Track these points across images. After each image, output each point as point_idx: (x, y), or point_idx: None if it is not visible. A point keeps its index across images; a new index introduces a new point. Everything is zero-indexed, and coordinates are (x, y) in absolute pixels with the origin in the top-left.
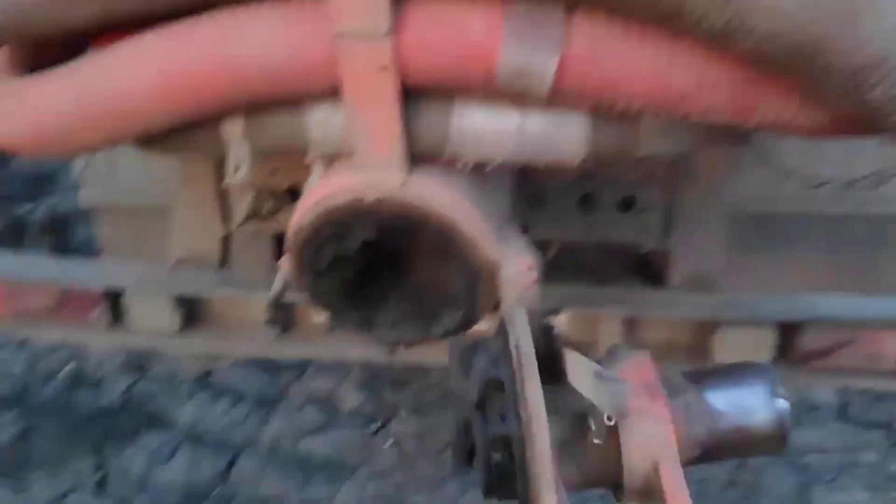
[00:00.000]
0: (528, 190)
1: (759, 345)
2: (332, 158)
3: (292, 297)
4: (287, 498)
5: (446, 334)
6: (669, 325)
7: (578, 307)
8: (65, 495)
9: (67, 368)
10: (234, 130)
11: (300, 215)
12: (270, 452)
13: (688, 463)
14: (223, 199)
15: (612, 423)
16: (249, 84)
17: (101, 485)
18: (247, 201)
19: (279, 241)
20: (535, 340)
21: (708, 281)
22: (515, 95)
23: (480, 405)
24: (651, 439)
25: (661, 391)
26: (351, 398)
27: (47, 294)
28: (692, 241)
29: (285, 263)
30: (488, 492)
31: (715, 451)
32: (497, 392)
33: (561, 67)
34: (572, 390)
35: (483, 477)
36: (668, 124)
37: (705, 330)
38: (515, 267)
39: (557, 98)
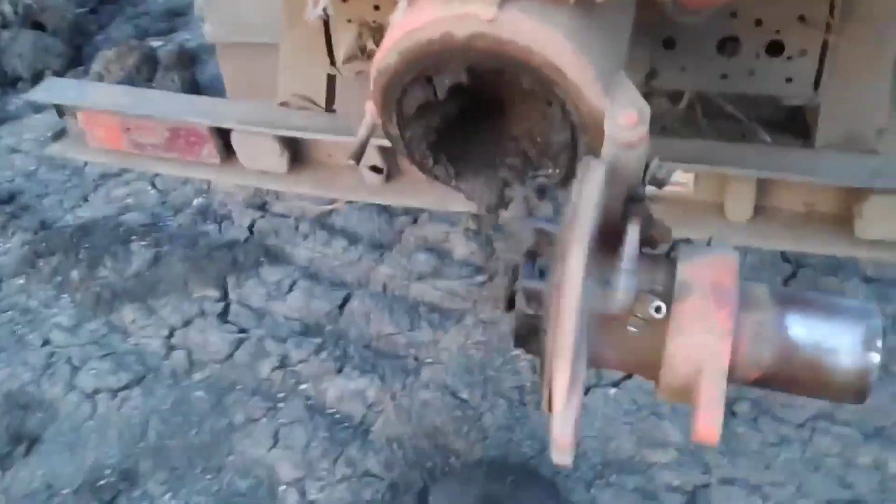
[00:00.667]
0: (657, 30)
1: None
2: None
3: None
4: (395, 338)
5: (543, 194)
6: (811, 191)
7: (706, 165)
8: (189, 321)
9: (196, 202)
10: None
11: (383, 53)
12: (381, 294)
13: (744, 383)
14: (328, 38)
15: (659, 314)
16: None
17: (223, 314)
18: (350, 39)
19: None
20: (614, 202)
21: (863, 141)
22: None
23: (531, 254)
24: (701, 348)
25: (733, 300)
26: (462, 247)
27: (158, 130)
28: (847, 95)
29: (370, 107)
30: (517, 342)
31: (779, 381)
32: (549, 246)
33: None
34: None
35: (514, 326)
36: None
37: (853, 198)
38: (621, 119)
39: None
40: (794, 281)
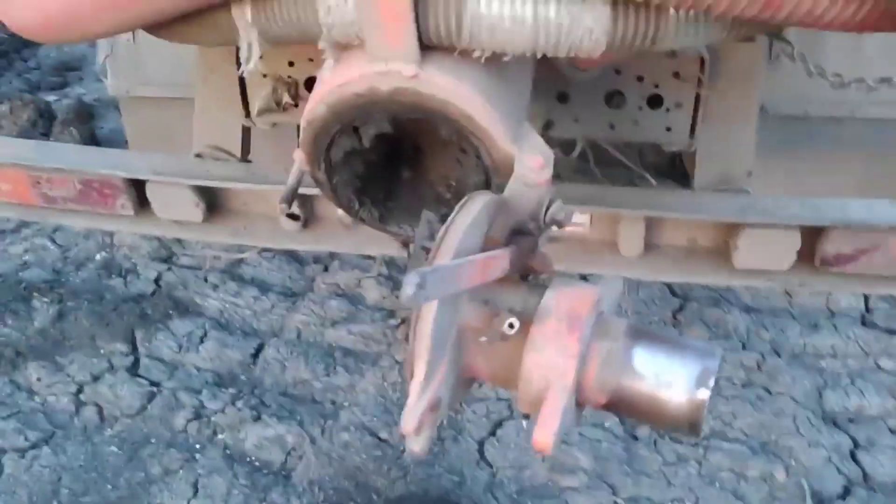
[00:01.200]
0: (552, 85)
1: (781, 248)
2: (343, 47)
3: (312, 190)
4: (312, 384)
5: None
6: (692, 227)
7: (600, 206)
8: (99, 377)
9: (98, 257)
10: (242, 15)
11: (313, 105)
12: (296, 341)
13: (595, 406)
14: (244, 91)
15: (512, 330)
16: None
17: (133, 368)
18: (265, 92)
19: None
20: (498, 232)
21: (734, 183)
22: None
23: (425, 250)
24: (551, 366)
25: (585, 327)
26: (374, 292)
27: (71, 183)
28: (719, 141)
29: (299, 155)
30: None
31: (624, 407)
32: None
33: None
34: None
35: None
36: (694, 16)
37: (728, 232)
38: (529, 163)
39: None
40: (682, 314)
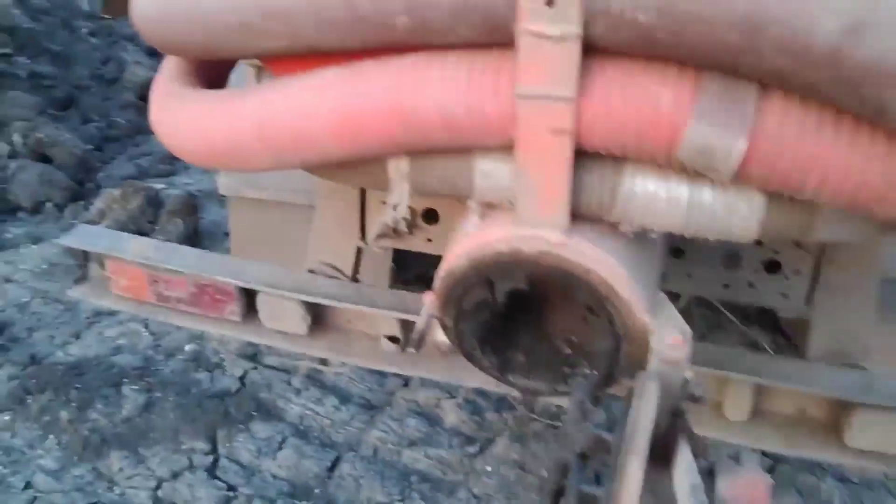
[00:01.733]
0: (668, 239)
1: None
2: (490, 206)
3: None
4: None
5: (598, 401)
6: (802, 398)
7: (707, 367)
8: (178, 474)
9: (188, 348)
10: (399, 170)
11: (454, 258)
12: (372, 458)
13: None
14: (363, 215)
15: None
16: (423, 132)
17: (212, 468)
18: (383, 219)
19: (398, 257)
20: (662, 416)
21: (850, 355)
22: (693, 172)
23: (583, 456)
24: None
25: None
26: (453, 414)
27: (186, 285)
28: (836, 313)
29: (429, 299)
30: None
31: None
32: (602, 451)
33: (748, 150)
34: None
35: None
36: (848, 213)
37: (842, 408)
38: (668, 340)
39: (738, 180)
40: (774, 476)
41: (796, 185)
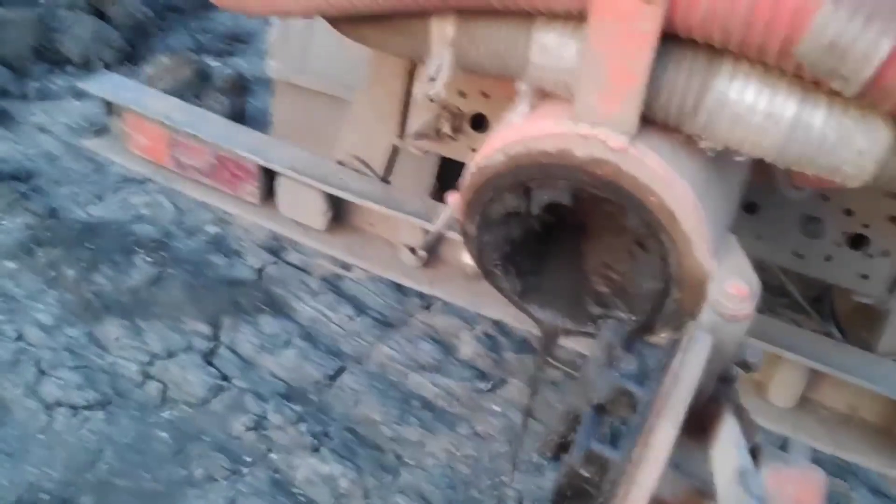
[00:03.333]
0: (745, 190)
1: None
2: (543, 95)
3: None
4: (381, 428)
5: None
6: (857, 395)
7: (762, 341)
8: (173, 354)
9: (211, 230)
10: (443, 33)
11: (490, 150)
12: (377, 374)
13: None
14: (405, 109)
15: None
16: None
17: (209, 354)
18: (427, 117)
19: (445, 167)
20: (708, 380)
21: None
22: (811, 78)
23: (600, 409)
24: None
25: None
26: (469, 346)
27: (206, 155)
28: None
29: (454, 200)
30: (556, 500)
31: None
32: (626, 407)
33: (893, 55)
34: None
35: (559, 482)
36: None
37: None
38: (730, 289)
39: (867, 95)
40: None
41: None
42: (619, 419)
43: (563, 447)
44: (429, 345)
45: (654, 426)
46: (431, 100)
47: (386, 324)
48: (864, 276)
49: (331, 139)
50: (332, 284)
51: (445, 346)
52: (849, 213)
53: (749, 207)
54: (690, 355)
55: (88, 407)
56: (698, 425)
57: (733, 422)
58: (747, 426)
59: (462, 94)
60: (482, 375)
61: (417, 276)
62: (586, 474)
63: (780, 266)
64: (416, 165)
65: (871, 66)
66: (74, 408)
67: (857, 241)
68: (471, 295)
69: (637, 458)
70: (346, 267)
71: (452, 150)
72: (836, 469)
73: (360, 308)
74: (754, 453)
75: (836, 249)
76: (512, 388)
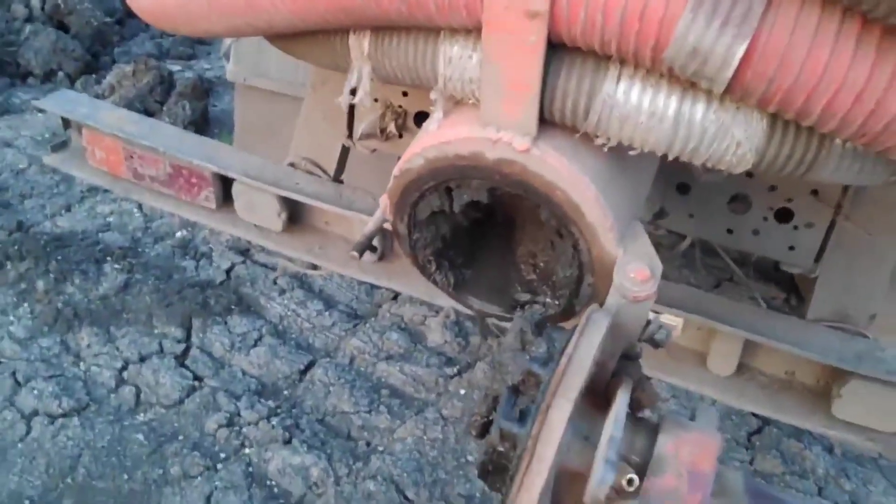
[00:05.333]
0: (674, 173)
1: (893, 408)
2: (455, 102)
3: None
4: (351, 418)
5: (540, 330)
6: (794, 359)
7: (697, 314)
8: (146, 358)
9: (178, 234)
10: (360, 47)
11: (410, 156)
12: (347, 367)
13: None
14: (351, 110)
15: (631, 488)
16: (385, 1)
17: (182, 356)
18: (372, 117)
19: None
20: (610, 357)
21: (853, 322)
22: (681, 78)
23: (514, 390)
24: None
25: (707, 486)
26: (437, 334)
27: (162, 164)
28: (846, 275)
29: (384, 202)
30: (481, 475)
31: None
32: (534, 387)
33: (748, 55)
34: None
35: (480, 459)
36: (862, 150)
37: (834, 375)
38: (632, 273)
39: (733, 91)
40: (759, 437)
41: (802, 105)
42: (530, 399)
43: (485, 427)
44: (397, 334)
45: (552, 403)
46: (375, 99)
47: (355, 316)
48: (791, 248)
49: (289, 140)
50: (302, 281)
51: (413, 335)
52: (773, 188)
53: (681, 188)
54: (584, 336)
55: (65, 414)
56: (606, 399)
57: (624, 395)
58: (649, 397)
59: (405, 94)
60: (449, 361)
61: (375, 271)
62: (501, 449)
63: (714, 242)
64: (367, 164)
65: (730, 67)
66: (52, 416)
67: (783, 215)
68: (427, 286)
69: (536, 432)
70: (314, 266)
71: (399, 148)
72: (791, 431)
73: (328, 303)
74: (658, 421)
75: (763, 224)
76: (478, 372)
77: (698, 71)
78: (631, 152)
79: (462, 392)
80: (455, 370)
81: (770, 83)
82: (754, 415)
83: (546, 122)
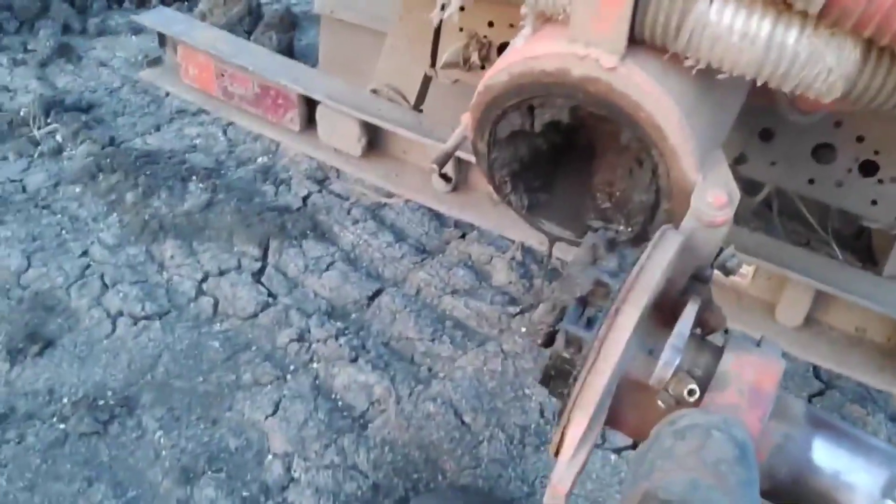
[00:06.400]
0: (758, 118)
1: None
2: (545, 18)
3: (471, 156)
4: (415, 344)
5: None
6: (865, 315)
7: (769, 262)
8: (225, 272)
9: (260, 160)
10: None
11: (495, 71)
12: (413, 297)
13: None
14: (436, 40)
15: (692, 398)
16: None
17: (258, 273)
18: (456, 46)
19: None
20: (680, 276)
21: None
22: (781, 0)
23: (581, 300)
24: None
25: (767, 405)
26: (502, 273)
27: (251, 84)
28: None
29: (465, 119)
30: (543, 380)
31: (789, 499)
32: (603, 297)
33: None
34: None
35: (545, 364)
36: None
37: None
38: (710, 198)
39: (829, 13)
40: (821, 399)
41: None
42: (597, 308)
43: (551, 336)
44: (463, 271)
45: (620, 309)
46: (460, 29)
47: (423, 251)
48: (874, 202)
49: (373, 72)
50: (374, 213)
51: (479, 273)
52: (860, 139)
53: (764, 135)
54: (657, 249)
55: (148, 317)
56: (672, 316)
57: (692, 307)
58: (717, 319)
59: (490, 25)
60: (512, 300)
61: (448, 200)
62: (566, 355)
63: (794, 192)
64: (448, 95)
65: None
66: (135, 318)
67: (868, 168)
68: (497, 218)
69: (604, 335)
70: (389, 195)
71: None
72: (855, 395)
73: (399, 236)
74: (724, 340)
75: (846, 176)
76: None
77: None
78: (720, 76)
79: (524, 329)
80: (518, 309)
81: (868, 3)
82: (817, 377)
83: (634, 42)
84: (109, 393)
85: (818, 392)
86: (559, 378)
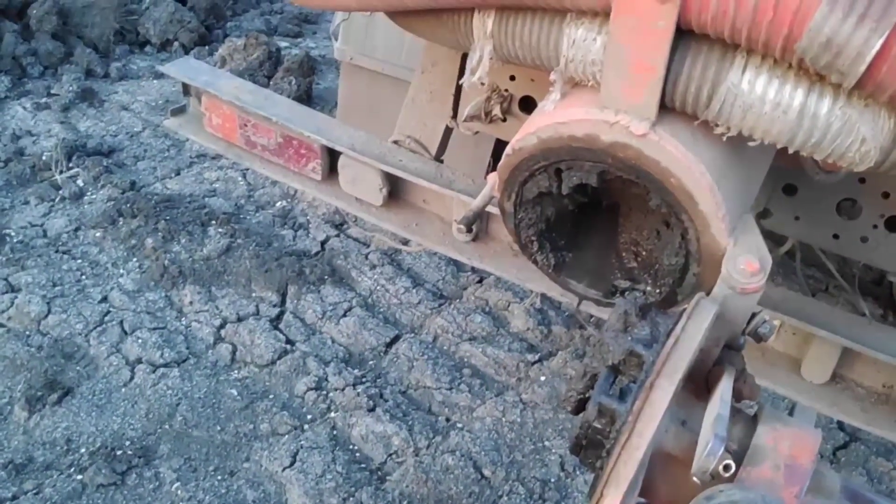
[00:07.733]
0: (781, 173)
1: None
2: (573, 83)
3: (490, 207)
4: (433, 393)
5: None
6: (893, 373)
7: (796, 318)
8: (243, 318)
9: (279, 204)
10: (484, 27)
11: (524, 134)
12: (431, 344)
13: None
14: (457, 92)
15: (727, 473)
16: None
17: (276, 320)
18: (478, 100)
19: (497, 149)
20: (713, 345)
21: None
22: (811, 70)
23: (614, 369)
24: None
25: (804, 481)
26: (520, 320)
27: (274, 134)
28: None
29: (492, 179)
30: (574, 449)
31: None
32: (635, 367)
33: (884, 50)
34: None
35: (576, 433)
36: None
37: None
38: (741, 264)
39: (864, 86)
40: (845, 452)
41: None
42: (630, 378)
43: (581, 403)
44: (481, 317)
45: (655, 383)
46: (482, 83)
47: (441, 296)
48: None
49: (393, 119)
50: (392, 258)
51: (497, 319)
52: (886, 195)
53: (788, 189)
54: (692, 321)
55: (166, 365)
56: (705, 387)
57: (728, 381)
58: (751, 389)
59: (512, 78)
60: (531, 347)
61: (468, 250)
62: (598, 425)
63: (818, 247)
64: (474, 147)
65: (864, 61)
66: (154, 365)
67: (894, 223)
68: (517, 269)
69: (638, 409)
70: (405, 242)
71: (502, 132)
72: (880, 449)
73: (416, 281)
74: (756, 413)
75: (872, 231)
76: (558, 360)
77: (830, 64)
78: (750, 143)
79: (542, 378)
80: (536, 357)
81: None
82: (841, 429)
83: (664, 108)
84: (127, 443)
85: (842, 445)
86: (590, 448)
